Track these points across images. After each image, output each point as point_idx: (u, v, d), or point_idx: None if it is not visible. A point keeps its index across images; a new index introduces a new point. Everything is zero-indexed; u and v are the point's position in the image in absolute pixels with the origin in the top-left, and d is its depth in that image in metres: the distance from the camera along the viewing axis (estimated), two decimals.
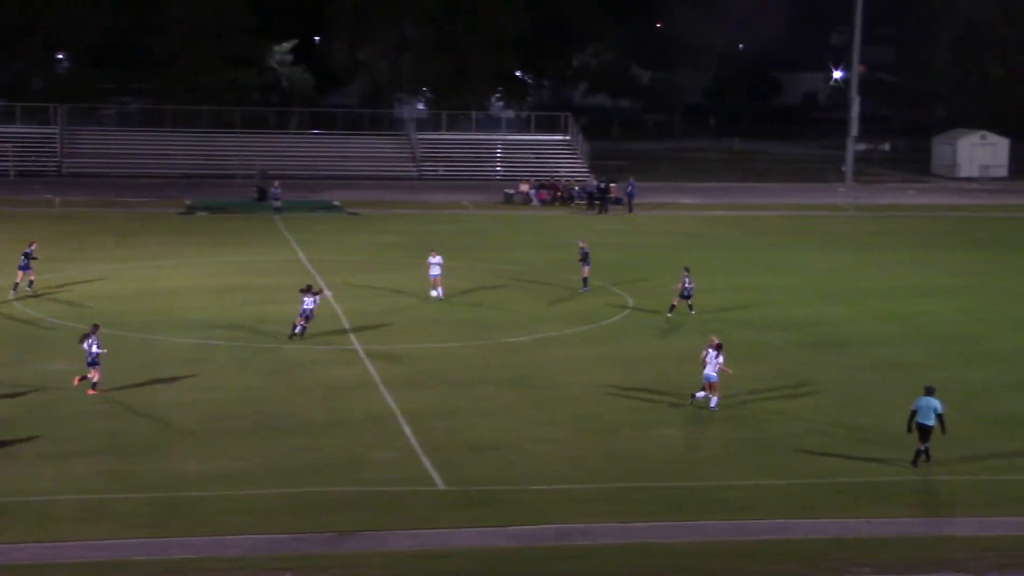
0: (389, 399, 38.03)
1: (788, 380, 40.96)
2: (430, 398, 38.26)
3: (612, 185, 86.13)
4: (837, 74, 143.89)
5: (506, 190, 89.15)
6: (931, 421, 32.31)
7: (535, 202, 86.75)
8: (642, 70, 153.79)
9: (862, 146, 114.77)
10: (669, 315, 49.89)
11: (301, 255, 63.07)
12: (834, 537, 28.14)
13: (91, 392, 37.51)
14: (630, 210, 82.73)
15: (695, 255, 63.67)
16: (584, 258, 54.76)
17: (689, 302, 50.01)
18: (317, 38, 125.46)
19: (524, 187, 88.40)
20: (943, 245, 71.88)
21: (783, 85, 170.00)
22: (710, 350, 37.48)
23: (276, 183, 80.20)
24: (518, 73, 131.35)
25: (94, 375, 37.69)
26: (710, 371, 37.34)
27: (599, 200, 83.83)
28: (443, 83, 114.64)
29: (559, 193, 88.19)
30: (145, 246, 65.11)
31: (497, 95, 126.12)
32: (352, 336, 45.60)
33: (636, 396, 38.98)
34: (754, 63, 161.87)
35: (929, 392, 32.69)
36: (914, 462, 32.52)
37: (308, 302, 44.83)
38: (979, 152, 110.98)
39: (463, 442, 34.14)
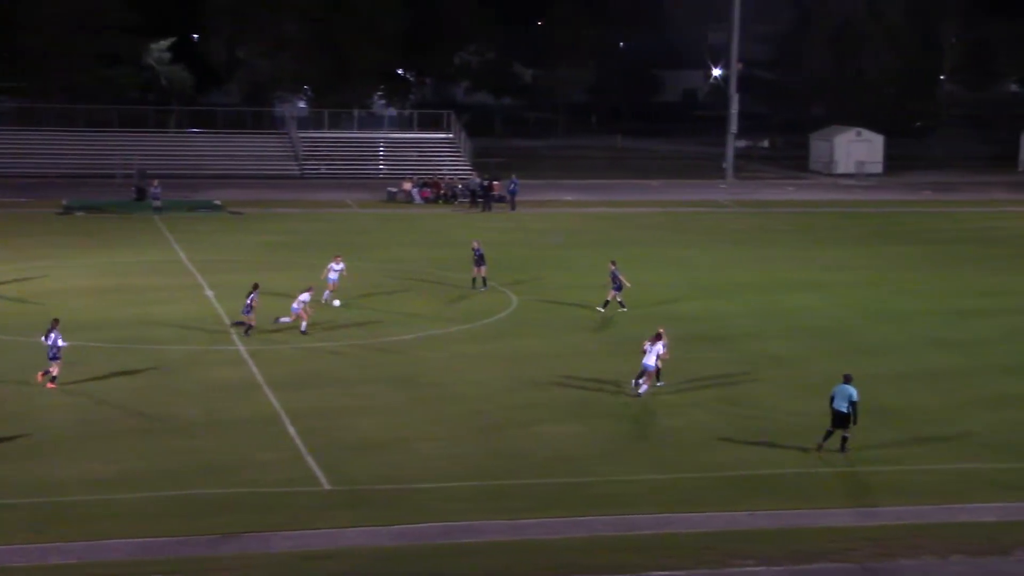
0: (273, 399, 37.73)
1: (672, 375, 41.25)
2: (315, 398, 38.02)
3: (495, 183, 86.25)
4: (716, 72, 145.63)
5: (389, 188, 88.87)
6: (845, 408, 33.18)
7: (418, 200, 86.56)
8: (524, 68, 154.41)
9: (742, 143, 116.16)
10: (622, 309, 50.15)
11: (182, 255, 62.35)
12: (718, 530, 28.43)
13: (51, 386, 37.82)
14: (512, 208, 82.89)
15: (578, 252, 64.06)
16: (479, 259, 54.63)
17: (612, 297, 50.19)
18: (196, 36, 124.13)
19: (407, 185, 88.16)
20: (821, 240, 72.95)
21: (664, 83, 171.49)
22: (646, 344, 38.54)
23: (155, 182, 79.17)
24: (400, 71, 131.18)
25: (54, 369, 37.94)
26: (649, 360, 38.22)
27: (482, 198, 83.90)
28: (324, 81, 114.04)
29: (442, 191, 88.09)
30: (22, 247, 63.90)
31: (379, 93, 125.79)
32: (235, 336, 45.14)
33: (521, 393, 39.08)
34: (635, 61, 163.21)
35: (847, 380, 33.68)
36: (841, 447, 33.48)
37: (249, 298, 44.87)
38: (855, 149, 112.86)
39: (348, 442, 33.98)
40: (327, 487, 30.65)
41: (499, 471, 31.99)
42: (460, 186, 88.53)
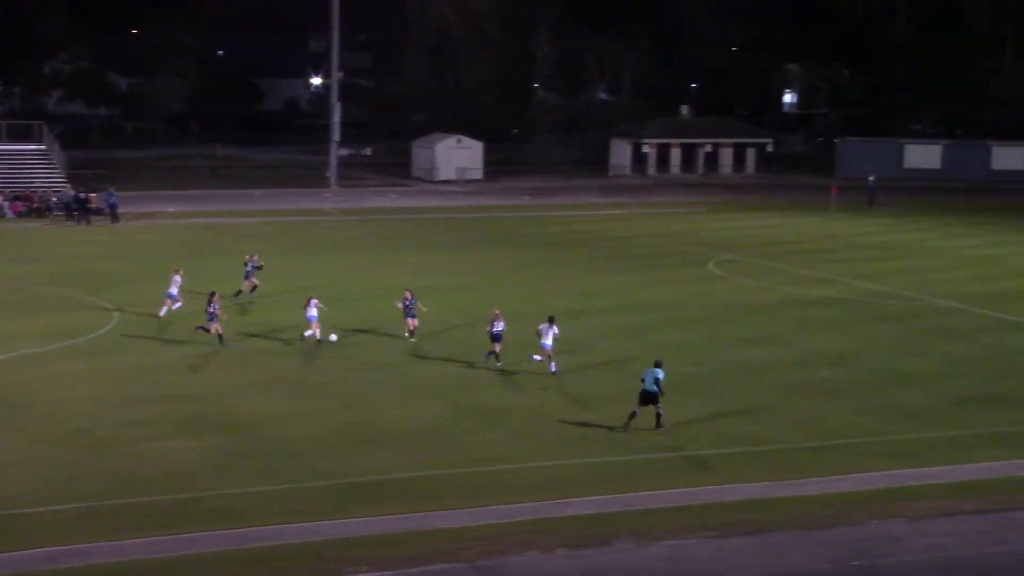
0: None
1: (283, 384, 41.05)
2: None
3: (92, 195, 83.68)
4: (317, 80, 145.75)
5: None
6: (653, 387, 36.12)
7: (9, 215, 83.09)
8: (119, 77, 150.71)
9: (345, 151, 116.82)
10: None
11: None
12: (330, 538, 28.35)
13: None
14: (114, 220, 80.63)
15: (183, 264, 62.75)
16: (250, 272, 54.42)
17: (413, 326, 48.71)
18: None
19: None
20: (427, 246, 73.96)
21: (264, 91, 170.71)
22: (543, 326, 42.72)
23: None
24: None
25: None
26: (547, 340, 42.43)
27: (78, 211, 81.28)
28: None
29: (35, 204, 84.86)
30: None
31: None
32: None
33: (127, 410, 37.97)
34: (234, 69, 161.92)
35: (657, 364, 36.75)
36: (657, 422, 36.54)
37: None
38: (456, 155, 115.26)
39: None
40: None
41: (106, 491, 30.95)
42: (54, 199, 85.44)
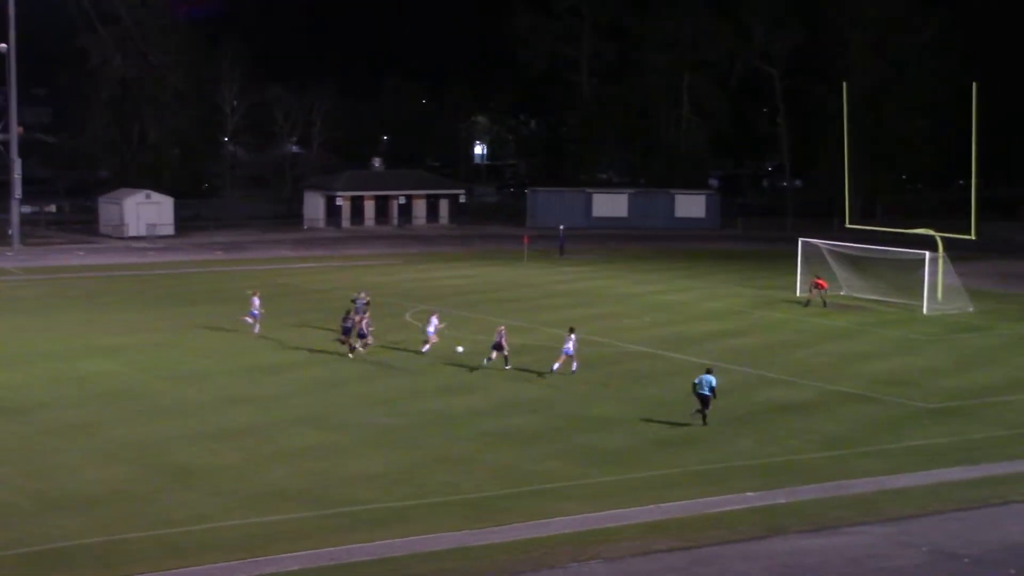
0: None
1: None
2: None
3: None
4: None
5: None
6: (706, 391, 43.28)
7: None
8: None
9: (27, 208, 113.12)
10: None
11: None
12: None
13: None
14: None
15: None
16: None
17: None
18: None
19: None
20: (114, 304, 71.88)
21: None
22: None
23: None
24: None
25: None
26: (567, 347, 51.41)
27: None
28: None
29: None
30: None
31: None
32: None
33: None
34: None
35: (708, 371, 44.22)
36: (703, 421, 43.70)
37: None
38: (145, 211, 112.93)
39: None
40: None
41: None
42: None
